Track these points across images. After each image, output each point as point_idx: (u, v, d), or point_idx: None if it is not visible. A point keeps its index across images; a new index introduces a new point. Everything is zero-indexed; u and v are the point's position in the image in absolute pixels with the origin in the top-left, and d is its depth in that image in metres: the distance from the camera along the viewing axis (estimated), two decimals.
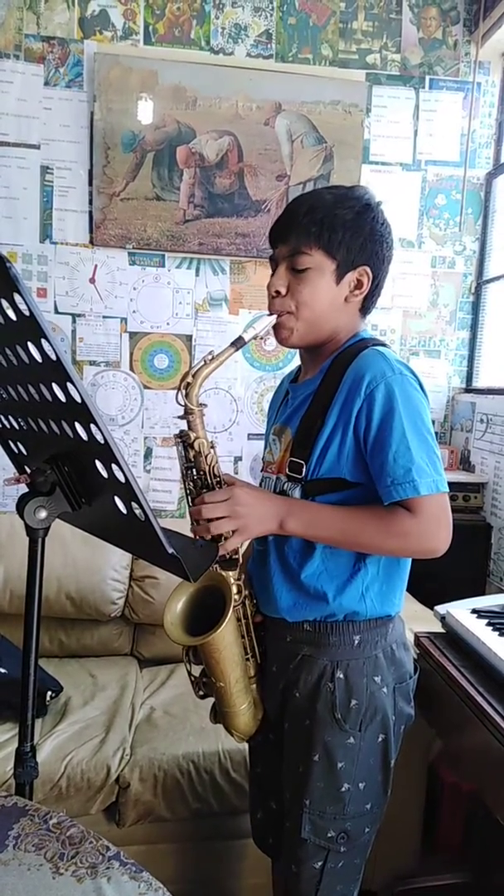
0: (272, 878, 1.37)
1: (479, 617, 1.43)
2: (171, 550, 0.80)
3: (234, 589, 1.07)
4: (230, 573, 1.08)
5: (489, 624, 1.38)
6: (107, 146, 2.27)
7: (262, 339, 1.08)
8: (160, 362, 2.44)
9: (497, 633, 1.34)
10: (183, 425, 1.05)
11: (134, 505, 0.81)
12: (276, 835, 1.25)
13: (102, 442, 0.77)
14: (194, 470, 1.06)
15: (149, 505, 0.79)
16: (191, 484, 1.07)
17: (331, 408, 1.04)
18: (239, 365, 2.41)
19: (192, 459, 1.05)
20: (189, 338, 2.43)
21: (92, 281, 2.36)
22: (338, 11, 2.37)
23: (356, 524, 1.01)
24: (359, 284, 1.08)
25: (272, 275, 1.09)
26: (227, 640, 1.06)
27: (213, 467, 1.05)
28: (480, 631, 1.35)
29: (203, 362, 1.04)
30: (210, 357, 1.04)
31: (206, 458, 1.04)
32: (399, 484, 0.96)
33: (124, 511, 0.84)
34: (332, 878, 1.09)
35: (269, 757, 1.20)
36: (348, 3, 2.37)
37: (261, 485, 1.18)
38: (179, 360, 2.44)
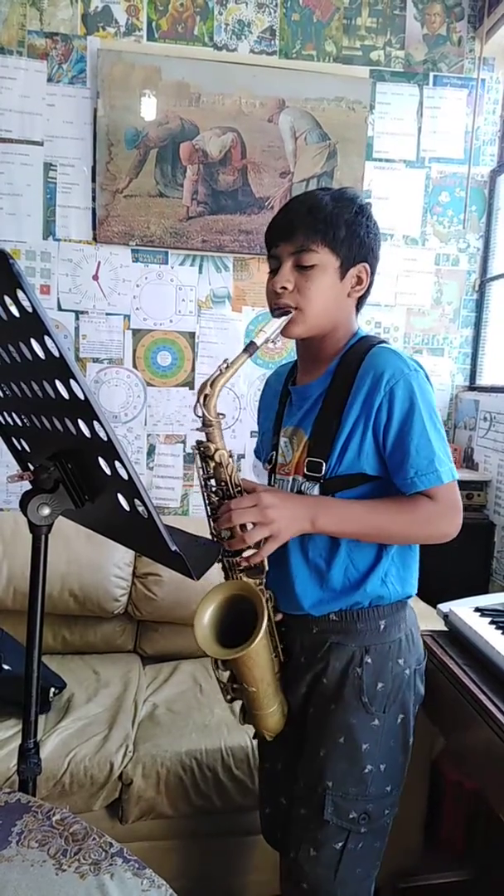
0: (280, 872, 1.37)
1: (483, 615, 1.42)
2: (174, 547, 0.80)
3: (263, 596, 1.06)
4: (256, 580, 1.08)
5: (492, 622, 1.38)
6: (110, 143, 2.27)
7: (273, 340, 1.08)
8: (163, 359, 2.43)
9: (500, 631, 1.34)
10: (185, 427, 1.06)
11: (137, 502, 0.81)
12: (286, 830, 1.26)
13: (105, 439, 0.77)
14: (214, 481, 1.06)
15: (152, 502, 0.79)
16: (212, 495, 1.07)
17: (348, 406, 1.06)
18: (243, 364, 2.40)
19: (213, 470, 1.05)
20: (192, 335, 2.43)
21: (95, 278, 2.36)
22: (341, 7, 2.36)
23: (385, 516, 1.05)
24: (359, 281, 1.12)
25: (273, 273, 1.11)
26: (260, 645, 1.05)
27: (234, 477, 1.05)
28: (483, 629, 1.35)
29: (219, 371, 1.04)
30: (225, 365, 1.04)
31: (226, 468, 1.05)
32: (423, 474, 1.02)
33: (127, 508, 0.84)
34: (351, 859, 1.11)
35: (279, 752, 1.22)
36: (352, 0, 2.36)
37: (273, 487, 1.19)
38: (182, 358, 2.44)
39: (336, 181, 2.36)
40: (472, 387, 2.59)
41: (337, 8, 2.36)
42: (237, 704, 1.23)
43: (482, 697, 1.18)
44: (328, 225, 1.06)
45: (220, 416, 1.05)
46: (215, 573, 1.10)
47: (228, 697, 1.18)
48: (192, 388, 2.44)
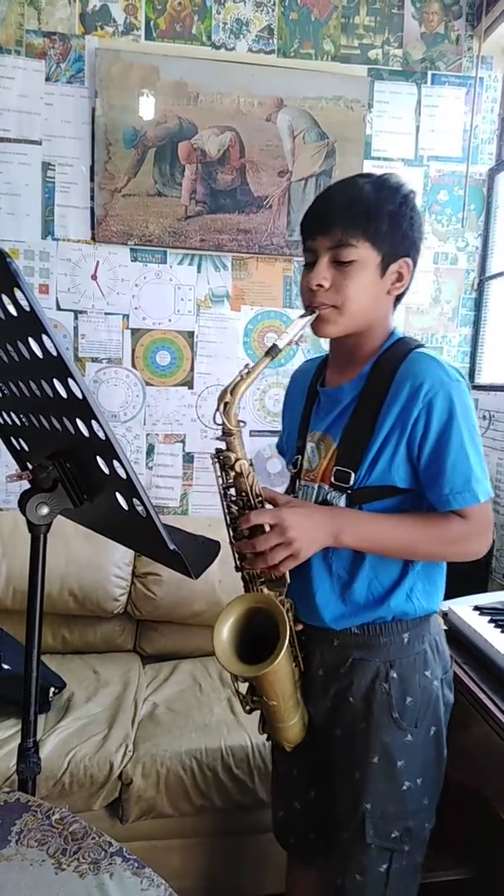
0: (290, 878, 1.35)
1: (482, 614, 1.43)
2: (172, 546, 0.80)
3: (286, 608, 1.03)
4: (277, 593, 1.05)
5: (491, 621, 1.38)
6: (108, 142, 2.27)
7: (296, 343, 1.03)
8: (162, 359, 2.43)
9: (499, 629, 1.34)
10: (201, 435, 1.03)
11: (136, 501, 0.81)
12: (298, 834, 1.25)
13: (104, 438, 0.77)
14: (234, 490, 1.03)
15: (150, 501, 0.79)
16: (231, 505, 1.04)
17: (382, 414, 1.01)
18: (241, 361, 2.40)
19: (232, 480, 1.02)
20: (191, 334, 2.43)
21: (94, 277, 2.36)
22: (339, 6, 2.36)
23: (412, 533, 1.01)
24: (400, 277, 1.05)
25: (307, 267, 1.04)
26: (283, 660, 1.01)
27: (254, 487, 1.02)
28: (482, 628, 1.35)
29: (239, 377, 0.99)
30: (246, 371, 0.99)
31: (247, 477, 1.01)
32: (459, 493, 0.98)
33: (126, 507, 0.84)
34: (396, 880, 1.08)
35: (295, 757, 1.18)
36: None
37: (296, 493, 1.15)
38: (181, 357, 2.44)
39: (334, 180, 2.35)
40: (471, 385, 2.59)
41: (335, 7, 2.36)
42: (255, 713, 1.18)
43: (482, 696, 1.18)
44: (369, 218, 0.99)
45: (241, 424, 1.00)
46: (237, 584, 1.08)
47: (248, 708, 1.14)
48: (191, 387, 2.44)
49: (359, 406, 1.05)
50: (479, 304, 2.57)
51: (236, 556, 1.05)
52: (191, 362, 2.44)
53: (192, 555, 0.85)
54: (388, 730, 1.05)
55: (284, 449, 1.28)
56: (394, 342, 1.08)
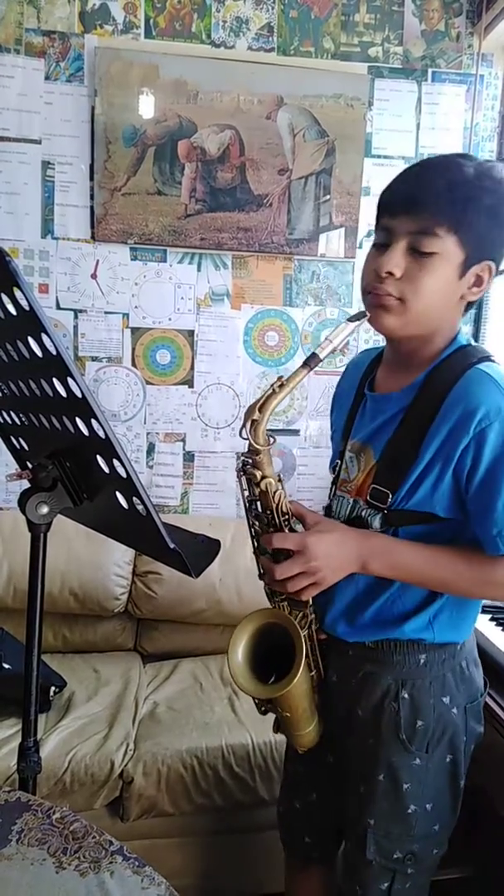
0: (288, 878, 1.33)
1: (484, 613, 1.42)
2: (172, 545, 0.80)
3: (304, 630, 0.99)
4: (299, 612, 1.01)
5: (492, 619, 1.38)
6: (108, 141, 2.26)
7: (340, 351, 0.91)
8: (162, 358, 2.43)
9: (500, 628, 1.34)
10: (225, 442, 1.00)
11: (135, 500, 0.81)
12: (294, 835, 1.24)
13: (104, 437, 0.77)
14: (259, 504, 0.97)
15: (150, 500, 0.79)
16: (255, 521, 0.99)
17: (429, 436, 0.92)
18: (241, 360, 2.40)
19: (258, 497, 0.96)
20: (191, 333, 2.43)
21: (93, 276, 2.36)
22: (339, 4, 2.35)
23: (451, 571, 0.94)
24: (479, 281, 0.94)
25: (378, 248, 0.93)
26: (298, 680, 0.96)
27: (281, 505, 0.95)
28: (486, 627, 1.35)
29: (272, 390, 0.89)
30: (279, 384, 0.89)
31: (273, 496, 0.94)
32: None
33: (126, 506, 0.84)
34: None
35: (306, 756, 1.15)
36: None
37: (331, 505, 1.08)
38: (182, 356, 2.43)
39: (334, 178, 2.35)
40: None
41: (335, 4, 2.35)
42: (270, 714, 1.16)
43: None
44: (465, 208, 0.87)
45: (272, 441, 0.93)
46: (238, 583, 1.05)
47: (263, 709, 1.10)
48: (191, 386, 2.43)
49: (405, 421, 0.96)
50: (480, 302, 2.55)
51: (260, 566, 1.01)
52: (191, 361, 2.43)
53: (193, 554, 0.85)
54: (394, 750, 1.01)
55: (334, 451, 1.19)
56: (455, 350, 0.96)
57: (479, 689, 1.07)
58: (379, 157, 2.44)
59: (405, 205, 0.90)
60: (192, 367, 2.44)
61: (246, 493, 0.97)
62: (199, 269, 2.40)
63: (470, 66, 2.42)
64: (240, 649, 0.98)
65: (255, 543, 1.01)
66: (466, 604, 1.02)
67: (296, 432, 2.46)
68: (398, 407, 0.98)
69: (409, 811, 1.01)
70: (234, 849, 1.73)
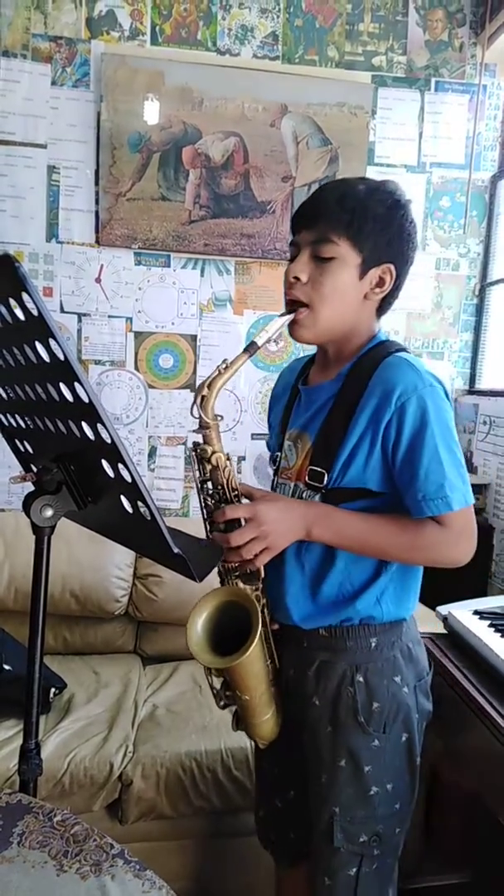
0: (276, 878, 1.36)
1: (482, 618, 1.43)
2: (176, 549, 0.81)
3: (259, 603, 1.04)
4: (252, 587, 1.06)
5: (491, 625, 1.39)
6: (113, 146, 2.28)
7: (274, 341, 1.04)
8: (165, 362, 2.44)
9: (499, 634, 1.35)
10: (189, 431, 1.05)
11: (140, 504, 0.81)
12: (277, 834, 1.25)
13: (109, 442, 0.78)
14: (210, 484, 1.03)
15: (155, 504, 0.79)
16: (208, 498, 1.05)
17: (355, 416, 1.01)
18: (243, 365, 2.41)
19: (209, 473, 1.03)
20: (194, 338, 2.44)
21: (98, 280, 2.37)
22: (344, 13, 2.37)
23: (384, 534, 1.00)
24: (380, 282, 1.04)
25: (291, 261, 1.05)
26: (254, 654, 1.01)
27: (231, 481, 1.02)
28: (482, 632, 1.35)
29: (217, 371, 1.00)
30: (224, 366, 1.00)
31: (223, 471, 1.02)
32: (431, 500, 0.97)
33: (130, 510, 0.84)
34: (367, 883, 1.08)
35: (277, 753, 1.18)
36: (355, 5, 2.37)
37: (275, 491, 1.15)
38: (184, 360, 2.45)
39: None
40: (472, 391, 2.59)
41: (339, 14, 2.37)
42: (232, 710, 1.19)
43: (481, 700, 1.19)
44: (354, 217, 0.99)
45: (218, 419, 1.01)
46: (212, 577, 1.09)
47: (221, 704, 1.14)
48: (193, 390, 2.45)
49: (335, 406, 1.05)
50: (480, 310, 2.58)
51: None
52: (193, 365, 2.45)
53: (196, 558, 0.86)
54: (353, 734, 1.05)
55: (274, 445, 1.27)
56: (376, 344, 1.07)
57: (425, 668, 1.14)
58: (382, 165, 2.45)
59: (305, 220, 1.03)
60: (194, 372, 2.45)
61: (198, 475, 1.04)
62: (202, 275, 2.41)
63: (473, 76, 2.44)
64: (199, 622, 1.03)
65: (208, 524, 1.06)
66: (408, 580, 1.09)
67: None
68: (328, 395, 1.07)
69: (372, 793, 1.06)
70: (232, 852, 1.73)
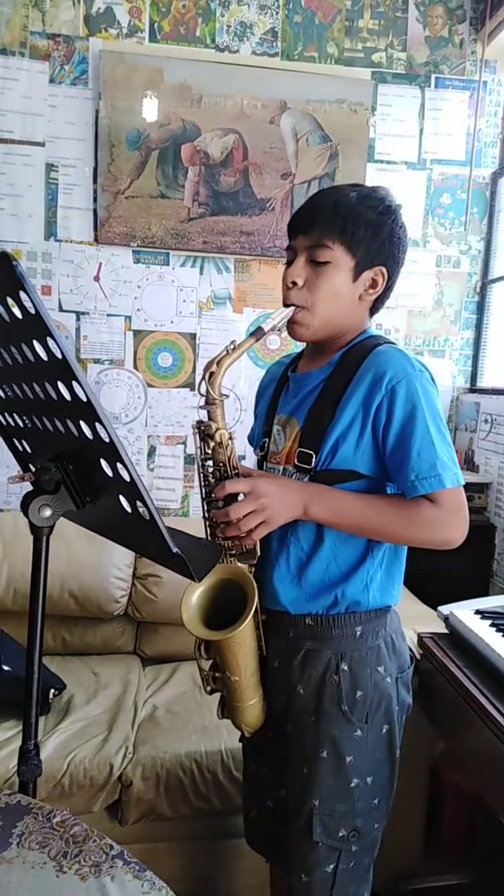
0: (269, 878, 1.36)
1: (483, 618, 1.42)
2: (175, 549, 0.80)
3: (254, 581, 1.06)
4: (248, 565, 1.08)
5: (493, 625, 1.38)
6: (112, 144, 2.27)
7: (278, 330, 1.08)
8: (164, 361, 2.44)
9: (500, 633, 1.34)
10: (197, 413, 1.06)
11: (139, 504, 0.80)
12: (270, 835, 1.25)
13: (108, 441, 0.77)
14: (211, 462, 1.06)
15: (154, 504, 0.78)
16: (208, 476, 1.07)
17: (344, 400, 1.04)
18: (243, 364, 2.40)
19: (211, 451, 1.05)
20: (193, 336, 2.43)
21: (96, 279, 2.36)
22: (343, 9, 2.36)
23: (380, 512, 1.02)
24: (373, 284, 1.10)
25: (288, 265, 1.09)
26: (247, 629, 1.04)
27: (232, 458, 1.05)
28: (484, 632, 1.35)
29: (225, 351, 1.04)
30: (232, 347, 1.04)
31: (225, 448, 1.04)
32: (424, 478, 0.99)
33: (129, 510, 0.83)
34: (343, 880, 1.08)
35: (265, 754, 1.20)
36: (354, 1, 2.36)
37: None
38: (183, 359, 2.44)
39: (337, 183, 2.35)
40: (473, 389, 2.59)
41: (339, 10, 2.36)
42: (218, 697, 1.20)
43: (482, 700, 1.18)
44: (347, 222, 1.04)
45: (224, 396, 1.05)
46: None
47: (209, 689, 1.16)
48: (192, 389, 2.44)
49: (324, 390, 1.08)
50: (481, 308, 2.57)
51: (208, 528, 1.08)
52: (192, 364, 2.44)
53: (195, 558, 0.85)
54: (336, 723, 1.07)
55: (253, 436, 1.31)
56: (366, 337, 1.12)
57: (407, 661, 1.16)
58: (382, 162, 2.45)
59: (301, 226, 1.08)
60: (193, 370, 2.44)
61: (200, 453, 1.07)
62: (201, 273, 2.41)
63: (473, 72, 2.43)
64: (194, 597, 1.05)
65: (206, 503, 1.07)
66: (392, 568, 1.11)
67: None
68: (318, 381, 1.11)
69: (352, 785, 1.07)
70: (232, 853, 1.72)
